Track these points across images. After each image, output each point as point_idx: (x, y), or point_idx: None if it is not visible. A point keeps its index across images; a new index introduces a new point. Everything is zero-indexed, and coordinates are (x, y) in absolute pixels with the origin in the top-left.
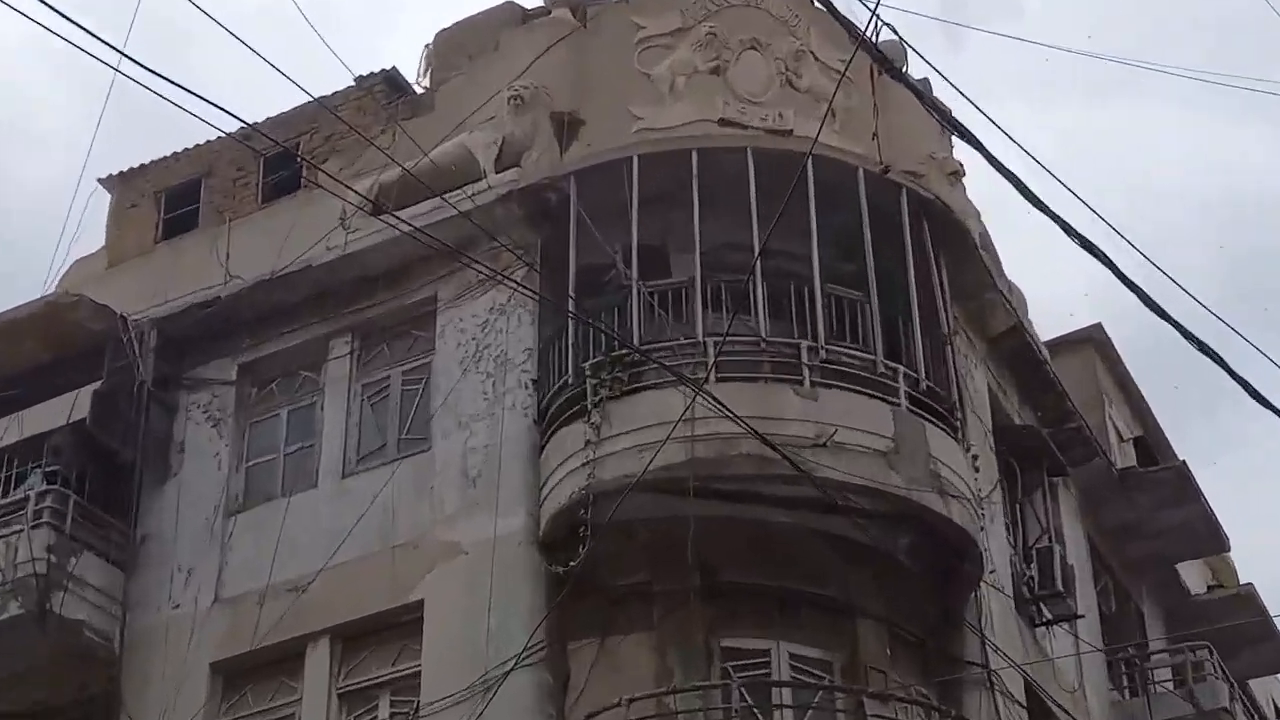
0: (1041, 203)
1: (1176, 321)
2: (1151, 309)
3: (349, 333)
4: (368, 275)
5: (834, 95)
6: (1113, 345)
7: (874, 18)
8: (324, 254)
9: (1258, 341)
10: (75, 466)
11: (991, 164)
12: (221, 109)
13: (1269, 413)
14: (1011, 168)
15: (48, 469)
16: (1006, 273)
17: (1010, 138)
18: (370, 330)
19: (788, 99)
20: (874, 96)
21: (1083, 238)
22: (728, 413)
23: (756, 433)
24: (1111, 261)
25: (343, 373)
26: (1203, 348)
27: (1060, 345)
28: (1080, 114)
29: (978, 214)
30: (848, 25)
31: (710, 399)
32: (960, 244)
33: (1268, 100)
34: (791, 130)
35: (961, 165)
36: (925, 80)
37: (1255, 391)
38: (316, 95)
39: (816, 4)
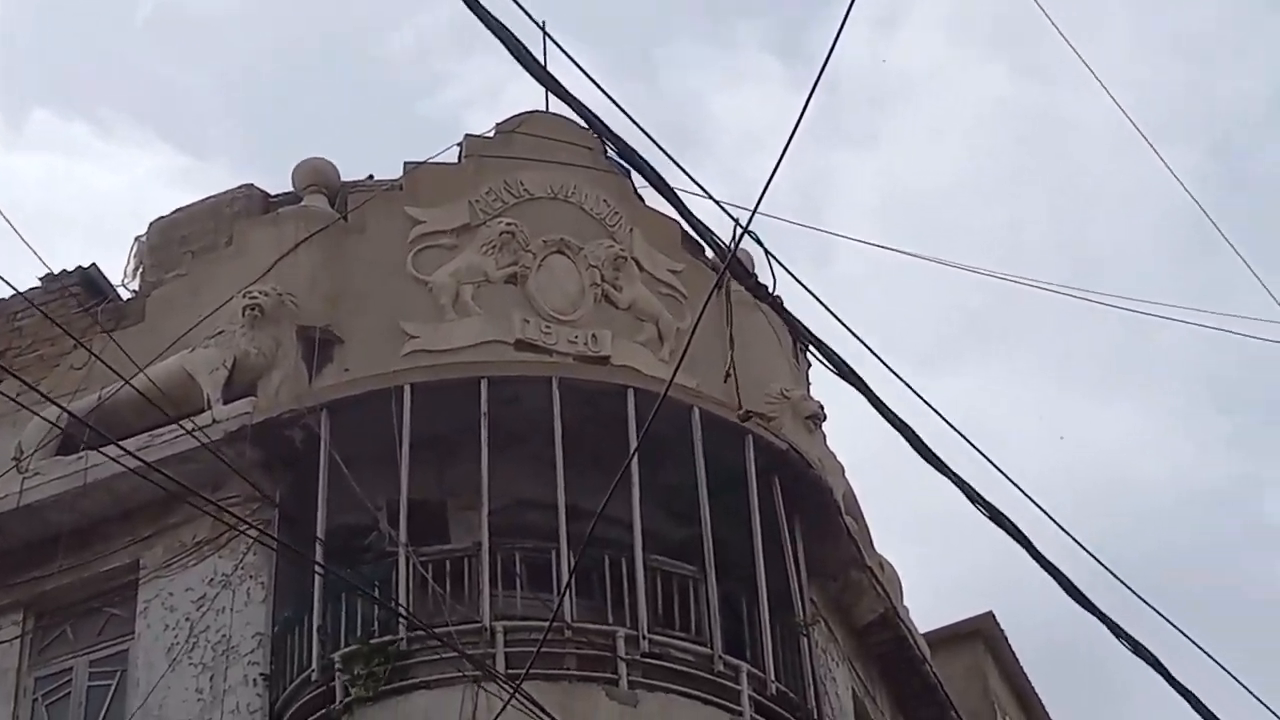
0: (944, 464)
1: (1110, 619)
2: (1083, 605)
3: (20, 610)
4: (47, 535)
5: (662, 312)
6: (1006, 640)
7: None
8: None
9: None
10: None
11: (882, 413)
12: None
13: None
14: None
15: None
16: (878, 546)
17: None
18: (49, 607)
19: (604, 317)
20: (728, 319)
21: (994, 509)
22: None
23: None
24: (1031, 543)
25: (10, 662)
26: (1138, 649)
27: (944, 639)
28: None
29: (841, 469)
30: (707, 235)
31: (519, 698)
32: (820, 508)
33: None
34: (608, 357)
35: (822, 407)
36: (778, 298)
37: (1199, 702)
38: None
39: (641, 199)
